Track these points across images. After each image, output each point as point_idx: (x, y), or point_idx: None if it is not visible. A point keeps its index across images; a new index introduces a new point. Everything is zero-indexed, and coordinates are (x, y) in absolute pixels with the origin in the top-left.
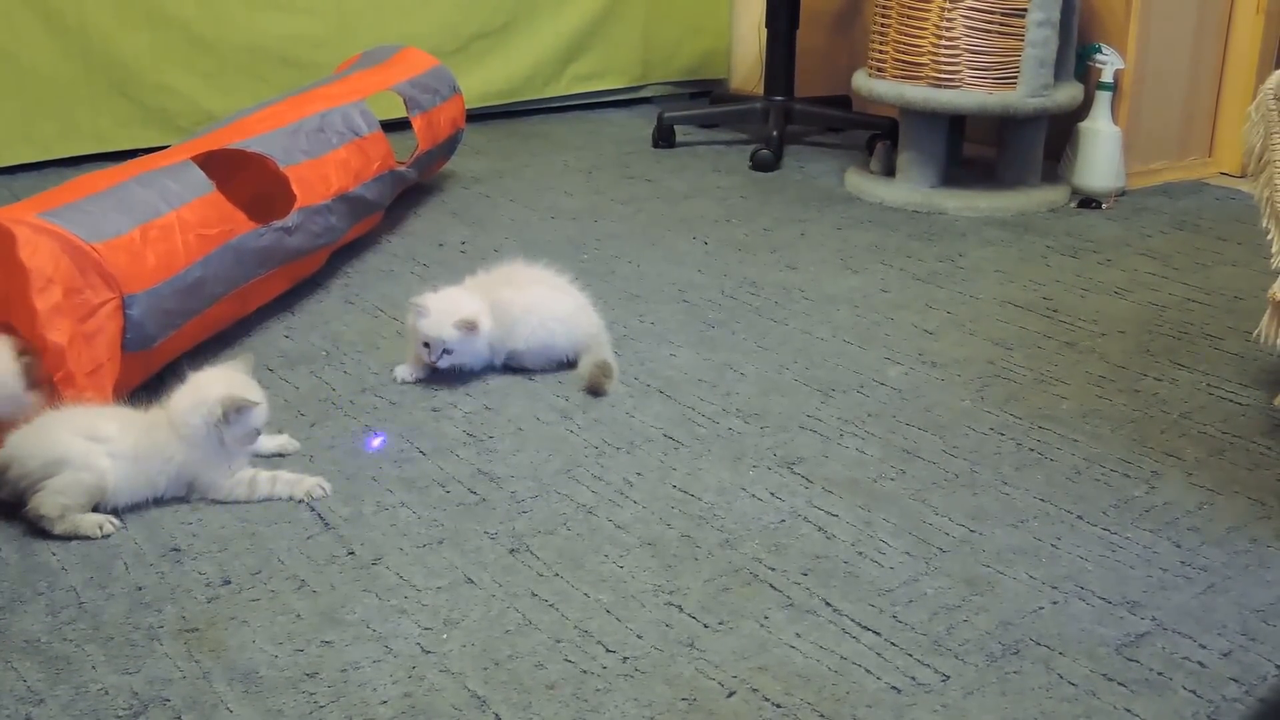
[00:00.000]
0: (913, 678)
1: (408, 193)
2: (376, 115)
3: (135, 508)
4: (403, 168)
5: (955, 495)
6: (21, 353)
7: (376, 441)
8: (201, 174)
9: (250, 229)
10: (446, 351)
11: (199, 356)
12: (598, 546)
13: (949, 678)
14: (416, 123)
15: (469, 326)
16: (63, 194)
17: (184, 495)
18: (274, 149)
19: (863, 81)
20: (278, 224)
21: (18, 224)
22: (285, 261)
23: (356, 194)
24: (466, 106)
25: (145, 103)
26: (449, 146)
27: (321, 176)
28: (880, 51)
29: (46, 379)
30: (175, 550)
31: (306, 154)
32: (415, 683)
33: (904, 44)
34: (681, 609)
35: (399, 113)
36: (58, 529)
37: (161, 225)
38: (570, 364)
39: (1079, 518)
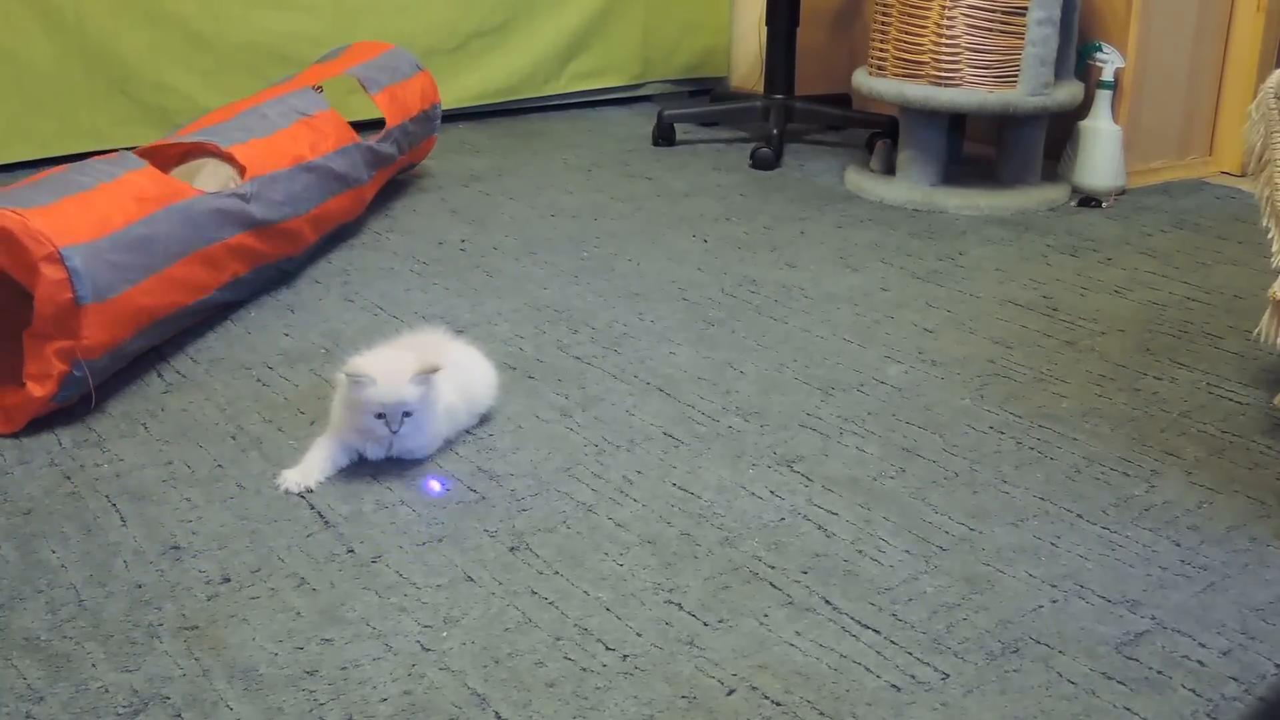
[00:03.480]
0: (912, 676)
1: (406, 190)
2: (355, 119)
3: (135, 506)
4: (373, 142)
5: (955, 494)
6: None
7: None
8: (135, 157)
9: (197, 194)
10: (407, 414)
11: (197, 339)
12: (597, 544)
13: (948, 676)
14: (379, 100)
15: (431, 371)
16: None
17: None
18: (213, 138)
19: (863, 80)
20: (229, 190)
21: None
22: (252, 227)
23: (320, 164)
24: (465, 105)
25: (144, 100)
26: (426, 122)
27: (270, 150)
28: (881, 50)
29: None
30: (175, 548)
31: (250, 134)
32: (415, 680)
33: (904, 42)
34: (681, 607)
35: (376, 114)
36: None
37: (88, 195)
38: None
39: (1079, 516)
